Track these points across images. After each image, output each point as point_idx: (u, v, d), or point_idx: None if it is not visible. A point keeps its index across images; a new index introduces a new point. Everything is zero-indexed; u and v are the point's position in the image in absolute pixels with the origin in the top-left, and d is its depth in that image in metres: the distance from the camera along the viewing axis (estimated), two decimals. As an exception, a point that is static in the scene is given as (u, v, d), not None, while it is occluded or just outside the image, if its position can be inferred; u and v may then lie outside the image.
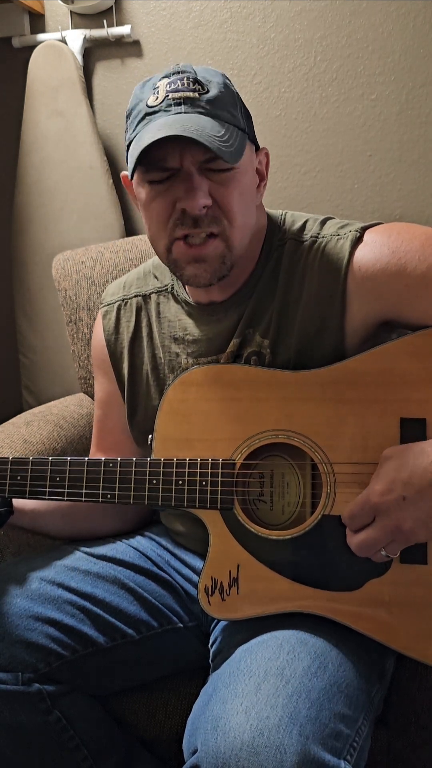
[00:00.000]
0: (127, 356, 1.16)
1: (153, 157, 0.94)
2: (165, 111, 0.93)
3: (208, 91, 0.95)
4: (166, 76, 0.96)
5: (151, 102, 0.95)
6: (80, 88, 1.82)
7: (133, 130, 0.97)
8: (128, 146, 0.99)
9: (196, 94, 0.94)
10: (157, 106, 0.94)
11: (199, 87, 0.95)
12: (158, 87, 0.95)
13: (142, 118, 0.95)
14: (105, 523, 1.20)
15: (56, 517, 1.15)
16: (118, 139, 1.90)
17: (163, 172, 0.96)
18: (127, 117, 0.99)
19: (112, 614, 1.07)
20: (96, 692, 1.10)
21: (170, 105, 0.93)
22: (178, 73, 0.95)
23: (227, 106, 0.96)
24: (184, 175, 0.95)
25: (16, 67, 1.91)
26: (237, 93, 1.00)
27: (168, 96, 0.94)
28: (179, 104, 0.93)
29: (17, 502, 1.10)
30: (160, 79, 0.96)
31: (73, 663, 1.02)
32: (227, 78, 0.99)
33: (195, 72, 0.96)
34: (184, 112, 0.93)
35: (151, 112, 0.94)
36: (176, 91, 0.94)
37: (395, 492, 0.88)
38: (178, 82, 0.95)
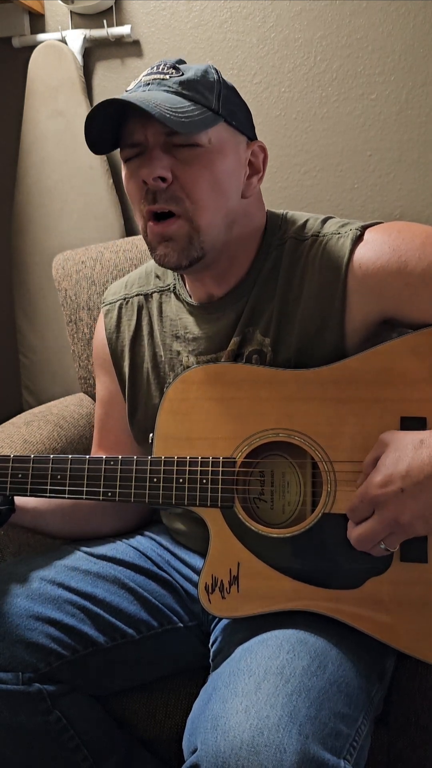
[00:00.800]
0: (128, 355, 1.16)
1: (125, 133, 0.98)
2: (134, 92, 0.97)
3: (182, 74, 0.98)
4: (152, 66, 1.00)
5: (130, 87, 0.99)
6: (80, 88, 1.82)
7: (92, 114, 0.98)
8: None
9: (167, 77, 0.97)
10: (131, 88, 0.98)
11: (173, 71, 0.98)
12: (140, 75, 1.00)
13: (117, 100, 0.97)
14: (106, 523, 1.20)
15: (57, 516, 1.14)
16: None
17: (132, 149, 0.99)
18: None
19: (112, 614, 1.06)
20: (96, 692, 1.10)
21: (140, 86, 0.97)
22: (161, 62, 1.00)
23: (198, 87, 0.97)
24: (148, 149, 0.97)
25: (16, 67, 1.91)
26: (223, 81, 1.01)
27: (141, 80, 0.98)
28: (148, 84, 0.97)
29: (19, 501, 1.10)
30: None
31: (74, 663, 1.02)
32: (214, 68, 1.01)
33: (179, 61, 1.00)
34: (147, 91, 0.96)
35: (126, 94, 0.97)
36: (150, 74, 0.99)
37: (394, 484, 0.88)
38: (155, 68, 0.99)
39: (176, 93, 0.96)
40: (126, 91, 0.99)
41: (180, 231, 0.99)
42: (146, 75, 0.99)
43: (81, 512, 1.16)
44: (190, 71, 0.98)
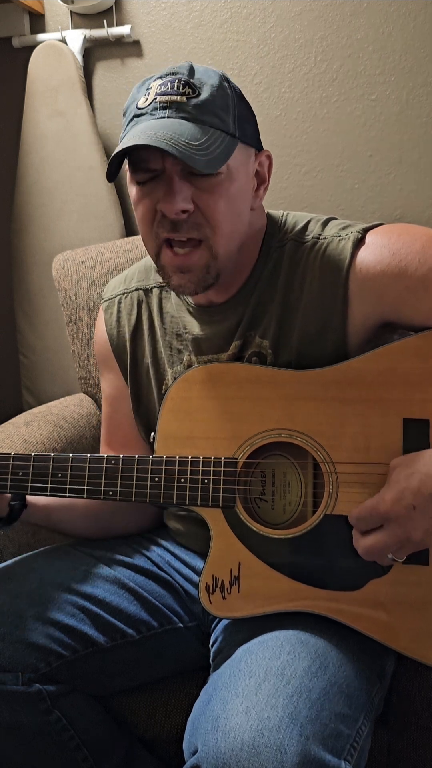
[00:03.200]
0: (129, 349, 1.16)
1: (138, 158, 0.95)
2: (150, 114, 0.93)
3: (198, 95, 0.94)
4: (161, 77, 0.95)
5: (141, 103, 0.95)
6: (80, 88, 1.82)
7: (124, 130, 0.97)
8: (121, 135, 0.99)
9: (184, 98, 0.93)
10: (144, 108, 0.94)
11: (189, 90, 0.93)
12: (150, 88, 0.95)
13: (131, 120, 0.95)
14: (122, 522, 1.20)
15: (73, 514, 1.14)
16: (118, 139, 1.90)
17: (146, 173, 0.95)
18: (123, 115, 1.00)
19: (112, 614, 1.06)
20: (96, 692, 1.09)
21: (156, 108, 0.93)
22: (172, 74, 0.95)
23: (216, 110, 0.94)
24: (166, 177, 0.94)
25: (16, 67, 1.91)
26: (235, 94, 0.98)
27: (156, 99, 0.93)
28: (165, 108, 0.93)
29: (30, 498, 1.09)
30: (154, 80, 0.95)
31: (74, 663, 1.02)
32: (226, 79, 0.97)
33: (190, 73, 0.95)
34: (167, 117, 0.92)
35: (138, 114, 0.94)
36: (165, 93, 0.93)
37: (405, 501, 0.87)
38: (169, 84, 0.94)
39: (195, 120, 0.93)
40: (138, 108, 0.94)
41: (201, 261, 0.98)
42: (161, 93, 0.94)
43: (98, 511, 1.16)
44: (205, 89, 0.94)
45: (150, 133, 0.90)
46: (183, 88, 0.93)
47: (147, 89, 0.95)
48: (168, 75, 0.95)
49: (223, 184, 0.95)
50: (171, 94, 0.93)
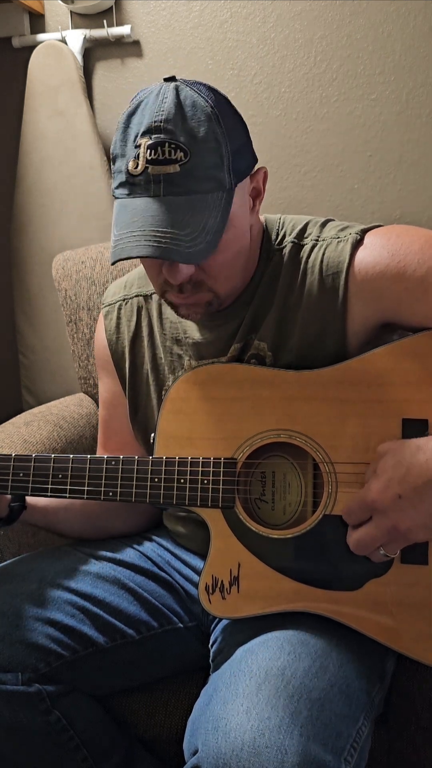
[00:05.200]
0: (128, 355, 1.16)
1: None
2: (144, 188, 0.91)
3: (189, 157, 0.90)
4: (148, 132, 0.91)
5: (131, 168, 0.92)
6: (80, 88, 1.82)
7: (116, 187, 0.95)
8: (113, 196, 0.97)
9: (176, 167, 0.90)
10: (137, 177, 0.91)
11: (181, 155, 0.90)
12: (139, 146, 0.91)
13: (124, 183, 0.93)
14: (119, 523, 1.20)
15: (71, 515, 1.14)
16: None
17: None
18: (112, 161, 0.96)
19: (112, 614, 1.06)
20: (96, 692, 1.09)
21: (149, 182, 0.91)
22: (160, 131, 0.90)
23: (210, 170, 0.91)
24: None
25: (16, 67, 1.91)
26: (224, 128, 0.92)
27: (147, 168, 0.90)
28: (158, 182, 0.90)
29: (30, 499, 1.09)
30: (142, 134, 0.91)
31: (73, 663, 1.02)
32: (216, 113, 0.92)
33: (178, 122, 0.90)
34: (162, 195, 0.90)
35: (132, 182, 0.92)
36: (156, 162, 0.90)
37: (391, 490, 0.88)
38: (159, 149, 0.90)
39: (189, 192, 0.91)
40: (130, 174, 0.92)
41: (203, 300, 1.00)
42: (152, 162, 0.90)
43: (96, 511, 1.16)
44: (197, 148, 0.90)
45: (149, 236, 0.89)
46: (174, 153, 0.90)
47: (135, 147, 0.91)
48: (156, 132, 0.90)
49: (225, 243, 0.95)
50: (162, 164, 0.90)
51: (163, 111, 0.91)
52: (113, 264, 0.98)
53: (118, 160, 0.95)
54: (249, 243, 1.02)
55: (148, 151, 0.90)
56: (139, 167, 0.91)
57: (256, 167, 1.01)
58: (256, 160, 1.01)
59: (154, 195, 0.91)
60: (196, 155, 0.90)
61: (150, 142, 0.90)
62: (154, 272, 0.99)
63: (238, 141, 0.95)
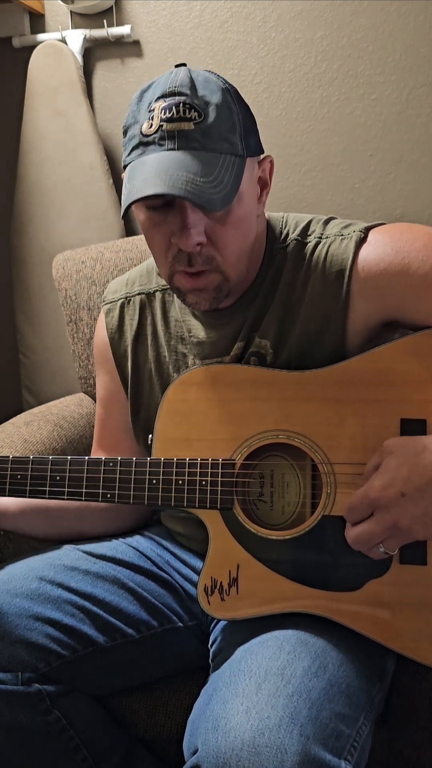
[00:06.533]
0: (130, 355, 1.16)
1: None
2: (158, 144, 0.91)
3: (204, 118, 0.91)
4: (162, 97, 0.92)
5: (145, 129, 0.92)
6: (80, 88, 1.82)
7: (128, 154, 0.95)
8: (125, 167, 0.97)
9: (191, 124, 0.90)
10: (151, 135, 0.92)
11: (195, 115, 0.91)
12: (153, 110, 0.92)
13: (137, 146, 0.93)
14: (96, 525, 1.20)
15: (40, 519, 1.15)
16: (118, 139, 1.90)
17: (158, 199, 0.93)
18: (124, 133, 0.97)
19: (112, 614, 1.06)
20: (96, 692, 1.10)
21: (163, 138, 0.91)
22: (174, 94, 0.91)
23: (224, 133, 0.92)
24: (178, 208, 0.93)
25: (16, 67, 1.91)
26: (238, 104, 0.95)
27: (162, 126, 0.91)
28: (172, 138, 0.90)
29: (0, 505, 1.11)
30: (156, 99, 0.92)
31: (73, 663, 1.02)
32: (227, 90, 0.94)
33: (192, 89, 0.91)
34: (177, 149, 0.90)
35: (145, 142, 0.92)
36: (170, 120, 0.90)
37: (394, 488, 0.88)
38: (174, 108, 0.90)
39: (204, 149, 0.91)
40: (143, 134, 0.92)
41: (212, 283, 0.98)
42: (166, 120, 0.90)
43: (69, 515, 1.16)
44: (211, 111, 0.91)
45: (164, 176, 0.88)
46: (189, 113, 0.90)
47: (149, 111, 0.92)
48: (171, 96, 0.91)
49: (234, 212, 0.95)
50: (177, 121, 0.90)
51: (176, 81, 0.92)
52: (125, 211, 0.93)
53: (130, 129, 0.95)
54: (255, 231, 1.02)
55: (163, 111, 0.91)
56: (153, 126, 0.91)
57: (262, 156, 1.02)
58: (263, 149, 1.02)
59: (169, 149, 0.91)
60: (210, 117, 0.91)
61: (164, 104, 0.91)
62: (162, 244, 0.97)
63: (248, 120, 0.97)
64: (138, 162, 0.93)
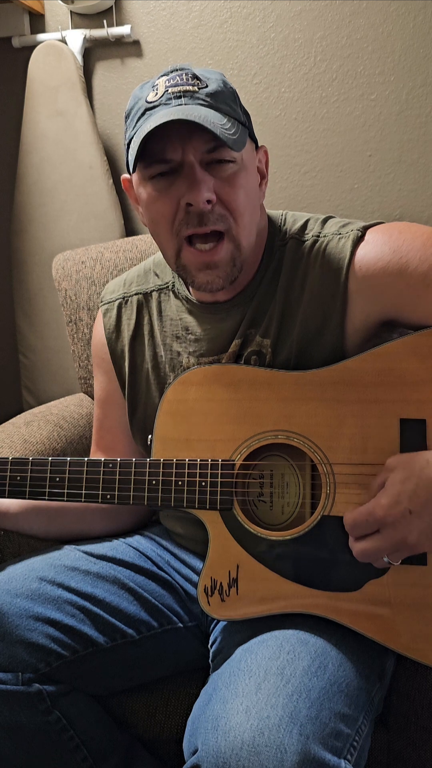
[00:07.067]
0: (128, 355, 1.16)
1: (153, 150, 0.94)
2: (165, 104, 0.93)
3: (207, 86, 0.95)
4: (165, 75, 0.96)
5: (150, 98, 0.95)
6: (80, 88, 1.82)
7: (133, 128, 0.96)
8: (128, 145, 0.98)
9: (196, 88, 0.94)
10: (156, 100, 0.94)
11: (198, 82, 0.95)
12: (157, 84, 0.95)
13: (142, 114, 0.95)
14: (95, 526, 1.20)
15: (42, 520, 1.15)
16: (118, 139, 1.90)
17: (164, 165, 0.95)
18: (126, 117, 0.99)
19: (112, 614, 1.06)
20: (96, 692, 1.10)
21: (170, 98, 0.93)
22: (177, 70, 0.96)
23: (227, 100, 0.96)
24: (186, 169, 0.94)
25: (16, 67, 1.91)
26: (236, 92, 1.00)
27: (167, 90, 0.94)
28: (179, 97, 0.93)
29: (0, 505, 1.11)
30: (158, 78, 0.96)
31: (73, 663, 1.02)
32: (225, 78, 0.99)
33: (193, 70, 0.96)
34: (185, 104, 0.93)
35: (150, 107, 0.94)
36: (176, 85, 0.94)
37: (401, 505, 0.87)
38: (177, 77, 0.95)
39: (212, 107, 0.94)
40: (147, 102, 0.95)
41: (226, 255, 0.98)
42: (171, 86, 0.94)
43: (70, 515, 1.17)
44: (212, 81, 0.96)
45: (178, 113, 0.90)
46: (192, 80, 0.94)
47: (153, 86, 0.96)
48: (173, 71, 0.96)
49: (240, 174, 0.97)
50: (182, 85, 0.94)
51: (176, 65, 0.97)
52: (139, 155, 0.94)
53: (133, 110, 0.97)
54: (260, 214, 1.03)
55: (167, 80, 0.95)
56: (159, 93, 0.94)
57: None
58: (258, 143, 1.05)
59: (177, 105, 0.93)
60: (213, 85, 0.95)
61: (168, 77, 0.95)
62: (170, 211, 0.97)
63: (244, 108, 1.01)
64: (145, 123, 0.94)
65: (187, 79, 0.94)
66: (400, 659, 1.05)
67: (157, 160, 0.95)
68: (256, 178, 1.03)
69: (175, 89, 0.94)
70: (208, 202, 0.94)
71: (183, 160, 0.94)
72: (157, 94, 0.94)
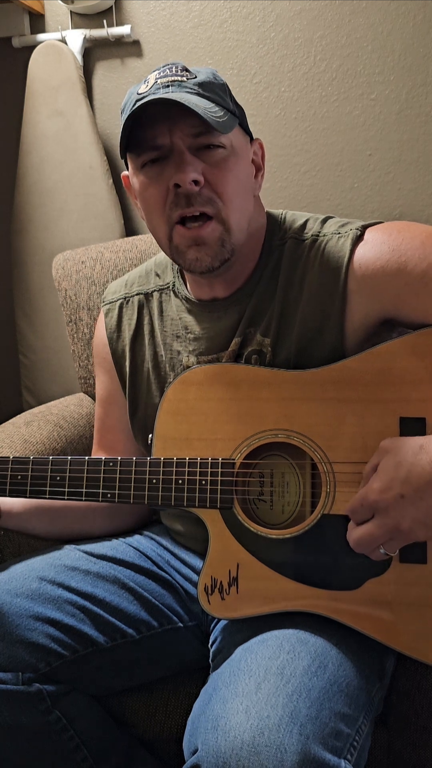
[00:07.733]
0: (128, 354, 1.16)
1: (143, 138, 0.97)
2: (153, 93, 0.96)
3: (196, 77, 0.98)
4: (157, 70, 1.00)
5: (141, 90, 0.97)
6: (80, 88, 1.82)
7: (127, 118, 0.98)
8: (123, 122, 1.00)
9: (185, 78, 0.97)
10: (146, 91, 0.96)
11: (188, 74, 0.98)
12: (149, 78, 0.98)
13: (133, 105, 0.97)
14: (98, 525, 1.20)
15: (45, 519, 1.15)
16: (118, 139, 1.89)
17: (154, 151, 0.97)
18: (122, 112, 1.01)
19: (112, 614, 1.07)
20: (96, 692, 1.10)
21: (158, 88, 0.96)
22: (168, 65, 0.99)
23: (215, 90, 0.99)
24: (175, 154, 0.97)
25: (16, 67, 1.91)
26: (227, 85, 1.02)
27: (157, 81, 0.97)
28: (168, 86, 0.96)
29: (5, 504, 1.11)
30: (151, 73, 1.00)
31: (73, 663, 1.02)
32: (217, 73, 1.02)
33: (184, 64, 1.00)
34: (173, 92, 0.95)
35: (140, 98, 0.96)
36: (165, 76, 0.97)
37: (393, 490, 0.88)
38: (167, 70, 0.98)
39: (200, 95, 0.96)
40: (138, 93, 0.97)
41: (213, 234, 0.99)
42: (161, 77, 0.97)
43: (72, 514, 1.17)
44: (202, 74, 0.99)
45: (165, 97, 0.93)
46: (180, 72, 0.98)
47: (145, 81, 0.99)
48: (164, 66, 0.99)
49: (229, 159, 0.98)
50: (171, 76, 0.97)
51: (169, 62, 1.02)
52: (129, 143, 0.98)
53: (127, 103, 1.00)
54: (253, 203, 1.05)
55: (157, 73, 0.99)
56: (149, 84, 0.97)
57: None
58: (252, 136, 1.08)
59: (164, 94, 0.95)
60: (202, 77, 0.99)
61: (158, 70, 0.99)
62: (161, 196, 0.99)
63: (236, 101, 1.03)
64: (132, 110, 0.96)
65: (177, 71, 0.98)
66: (400, 658, 1.05)
67: (147, 148, 0.97)
68: (248, 168, 1.04)
69: (164, 80, 0.97)
70: (196, 183, 0.96)
71: (172, 146, 0.97)
72: (148, 85, 0.97)
